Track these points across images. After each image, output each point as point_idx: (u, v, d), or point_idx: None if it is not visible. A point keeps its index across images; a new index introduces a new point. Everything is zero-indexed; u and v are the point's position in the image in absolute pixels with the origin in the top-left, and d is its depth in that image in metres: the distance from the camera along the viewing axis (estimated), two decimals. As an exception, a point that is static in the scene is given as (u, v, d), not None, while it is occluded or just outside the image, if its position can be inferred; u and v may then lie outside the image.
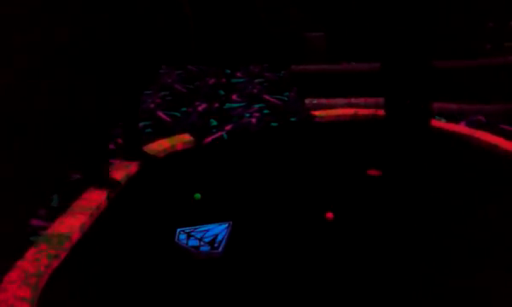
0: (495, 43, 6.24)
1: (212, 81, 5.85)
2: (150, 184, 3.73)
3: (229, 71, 6.18)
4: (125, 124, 3.87)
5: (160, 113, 5.01)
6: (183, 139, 4.33)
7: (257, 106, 5.15)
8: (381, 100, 4.92)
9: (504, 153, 3.98)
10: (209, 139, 4.41)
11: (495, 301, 2.55)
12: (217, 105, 5.15)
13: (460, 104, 4.88)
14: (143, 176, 3.85)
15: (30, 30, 4.95)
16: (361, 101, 5.04)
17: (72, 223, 3.17)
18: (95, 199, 3.45)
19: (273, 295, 2.63)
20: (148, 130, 4.61)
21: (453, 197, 3.47)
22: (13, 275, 2.74)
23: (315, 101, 5.12)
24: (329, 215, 3.26)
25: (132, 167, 3.87)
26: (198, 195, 3.51)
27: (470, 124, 4.55)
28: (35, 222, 3.25)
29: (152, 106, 5.20)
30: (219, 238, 3.05)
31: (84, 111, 3.88)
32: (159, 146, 4.21)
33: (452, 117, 4.70)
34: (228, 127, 4.63)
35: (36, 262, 2.83)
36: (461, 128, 4.47)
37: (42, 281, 2.73)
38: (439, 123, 4.57)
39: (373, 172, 3.78)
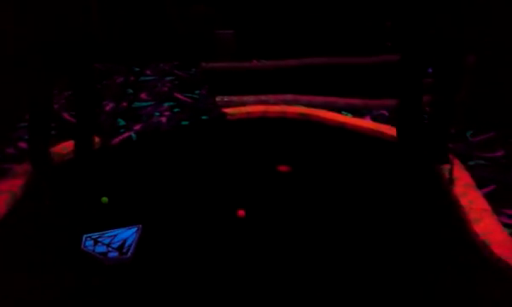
0: (394, 41, 6.54)
1: (120, 79, 5.67)
2: (53, 189, 3.54)
3: (137, 68, 6.03)
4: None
5: (65, 114, 4.78)
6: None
7: (167, 104, 5.06)
8: (289, 97, 5.03)
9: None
10: (117, 140, 4.27)
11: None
12: (125, 104, 5.00)
13: (365, 100, 5.06)
14: (43, 180, 3.64)
15: None
16: (270, 97, 5.10)
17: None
18: (-8, 207, 3.24)
19: (185, 299, 2.59)
20: (52, 131, 4.38)
21: (358, 189, 3.59)
22: None
23: (226, 99, 5.11)
24: (241, 212, 3.27)
25: (34, 173, 3.66)
26: (105, 199, 3.39)
27: (375, 119, 4.72)
28: None
29: (56, 106, 4.95)
30: (128, 242, 2.97)
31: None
32: (63, 149, 4.01)
33: (358, 112, 4.86)
34: (137, 127, 4.51)
35: None
36: (366, 122, 4.63)
37: None
38: (345, 118, 4.70)
39: (283, 168, 3.83)
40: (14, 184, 3.49)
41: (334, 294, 2.62)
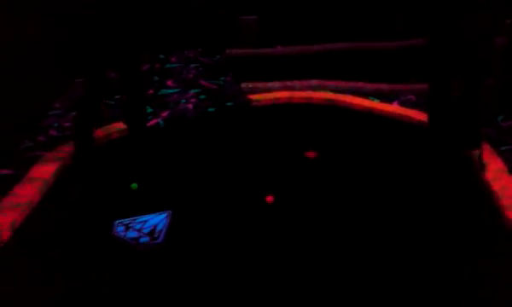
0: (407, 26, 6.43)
1: (146, 67, 5.70)
2: (85, 175, 3.60)
3: (163, 56, 6.05)
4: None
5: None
6: (118, 127, 4.19)
7: (193, 91, 5.07)
8: (314, 82, 5.00)
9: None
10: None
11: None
12: (152, 91, 5.03)
13: (392, 84, 5.00)
14: (78, 167, 3.71)
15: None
16: (296, 83, 5.07)
17: (2, 221, 3.02)
18: (26, 194, 3.30)
19: (217, 284, 2.62)
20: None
21: (386, 175, 3.56)
22: None
23: (251, 85, 5.10)
24: (269, 198, 3.28)
25: (64, 160, 3.72)
26: (135, 185, 3.42)
27: (403, 104, 4.67)
28: (-39, 221, 3.07)
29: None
30: (159, 228, 3.00)
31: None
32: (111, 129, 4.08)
33: (385, 97, 4.81)
34: (164, 114, 4.54)
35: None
36: (394, 107, 4.58)
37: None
38: (372, 103, 4.66)
39: (310, 154, 3.82)
40: (46, 171, 3.55)
41: (365, 279, 2.62)
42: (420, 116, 4.30)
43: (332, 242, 2.90)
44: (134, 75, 3.69)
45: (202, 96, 4.95)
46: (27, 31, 5.78)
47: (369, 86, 4.97)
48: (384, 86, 4.98)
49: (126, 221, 3.05)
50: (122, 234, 2.96)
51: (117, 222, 3.04)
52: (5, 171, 3.59)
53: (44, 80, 5.34)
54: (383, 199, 3.28)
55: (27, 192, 3.31)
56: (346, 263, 2.74)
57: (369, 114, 4.51)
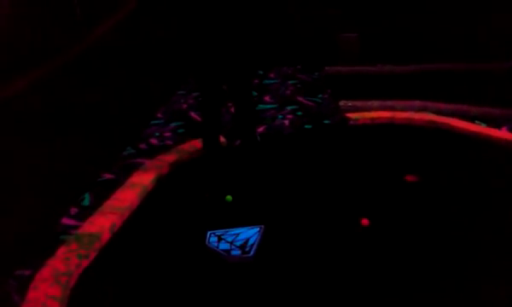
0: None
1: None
2: (181, 185, 3.68)
3: (262, 72, 6.11)
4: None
5: (193, 114, 4.97)
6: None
7: (290, 107, 5.06)
8: (416, 103, 4.81)
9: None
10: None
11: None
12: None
13: (501, 108, 4.69)
14: (174, 177, 3.81)
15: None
16: (397, 103, 4.90)
17: (102, 223, 3.16)
18: (126, 198, 3.43)
19: (304, 302, 2.55)
20: (181, 130, 4.58)
21: (490, 205, 3.32)
22: (44, 273, 2.73)
23: (349, 104, 5.00)
24: (365, 221, 3.16)
25: (164, 168, 3.84)
26: (230, 197, 3.45)
27: (512, 130, 4.37)
28: (66, 220, 3.25)
29: (184, 106, 5.17)
30: (251, 242, 2.99)
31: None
32: (191, 147, 4.16)
33: (493, 121, 4.52)
34: (261, 129, 4.56)
35: (66, 261, 2.82)
36: (503, 133, 4.28)
37: (72, 281, 2.71)
38: (479, 127, 4.39)
39: (410, 178, 3.65)
40: (146, 178, 3.67)
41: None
42: (532, 144, 3.99)
43: (425, 270, 2.74)
44: (217, 95, 3.72)
45: (299, 113, 4.93)
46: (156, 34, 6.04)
47: (475, 109, 4.70)
48: (492, 110, 4.69)
49: (219, 232, 3.07)
50: (214, 244, 2.98)
51: (210, 232, 3.07)
52: (108, 176, 3.77)
53: (149, 90, 5.60)
54: (480, 229, 3.06)
55: (127, 197, 3.44)
56: (441, 290, 2.57)
57: (475, 139, 4.25)
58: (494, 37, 6.17)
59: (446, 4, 6.69)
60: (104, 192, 3.53)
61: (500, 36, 6.17)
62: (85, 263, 2.86)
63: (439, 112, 4.71)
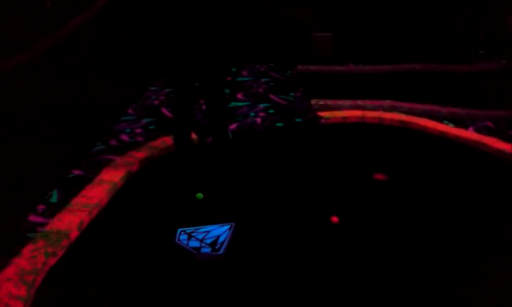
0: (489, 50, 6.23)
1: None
2: (152, 182, 3.66)
3: (234, 69, 6.11)
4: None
5: (164, 110, 4.94)
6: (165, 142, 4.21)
7: (262, 105, 5.07)
8: (387, 103, 4.87)
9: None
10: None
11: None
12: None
13: (468, 109, 4.79)
14: (145, 173, 3.78)
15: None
16: (368, 103, 4.96)
17: (70, 221, 3.11)
18: (95, 195, 3.38)
19: (274, 299, 2.56)
20: (152, 126, 4.55)
21: (459, 203, 3.38)
22: (8, 272, 2.67)
23: (321, 102, 5.04)
24: (334, 219, 3.19)
25: (134, 165, 3.80)
26: (200, 195, 3.44)
27: (479, 130, 4.46)
28: (33, 218, 3.19)
29: (156, 102, 5.13)
30: (221, 239, 2.98)
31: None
32: (162, 143, 4.13)
33: (461, 122, 4.61)
34: (232, 126, 4.55)
35: (33, 259, 2.77)
36: (469, 134, 4.37)
37: (38, 279, 2.66)
38: (447, 127, 4.47)
39: (379, 176, 3.70)
40: (116, 175, 3.63)
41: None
42: (497, 144, 4.09)
43: (393, 267, 2.78)
44: (189, 92, 3.70)
45: (271, 111, 4.94)
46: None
47: (444, 110, 4.78)
48: (460, 111, 4.78)
49: (189, 230, 3.06)
50: (184, 242, 2.96)
51: (180, 230, 3.05)
52: (77, 172, 3.71)
53: (121, 86, 5.54)
54: (449, 226, 3.12)
55: (97, 194, 3.40)
56: (407, 287, 2.61)
57: (443, 139, 4.33)
58: (459, 39, 6.31)
59: (417, 6, 6.80)
60: (73, 189, 3.48)
61: (465, 38, 6.31)
62: (52, 261, 2.81)
63: (408, 112, 4.78)
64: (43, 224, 3.10)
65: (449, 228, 3.12)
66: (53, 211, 3.24)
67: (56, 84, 5.57)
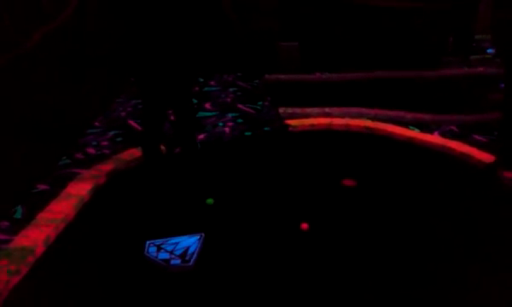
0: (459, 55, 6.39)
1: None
2: (119, 195, 3.60)
3: (202, 79, 6.09)
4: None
5: (132, 122, 4.89)
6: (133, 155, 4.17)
7: (230, 115, 5.07)
8: (353, 110, 4.93)
9: (476, 164, 3.97)
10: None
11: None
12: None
13: (433, 114, 4.89)
14: (113, 186, 3.72)
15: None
16: (335, 110, 5.01)
17: (36, 236, 3.03)
18: (61, 210, 3.31)
19: (246, 310, 2.55)
20: (119, 138, 4.49)
21: (426, 207, 3.43)
22: (-30, 291, 2.59)
23: (289, 111, 5.07)
24: (304, 225, 3.20)
25: (101, 178, 3.74)
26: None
27: (444, 134, 4.55)
28: (-4, 235, 3.10)
29: (123, 114, 5.08)
30: (191, 250, 2.95)
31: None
32: (129, 155, 4.09)
33: (426, 127, 4.70)
34: (201, 136, 4.53)
35: (-5, 278, 2.68)
36: (435, 138, 4.45)
37: (0, 299, 2.58)
38: (413, 133, 4.55)
39: (348, 183, 3.73)
40: (83, 188, 3.57)
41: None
42: (461, 147, 4.17)
43: (363, 272, 2.80)
44: (159, 103, 3.67)
45: (239, 120, 4.94)
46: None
47: (410, 115, 4.87)
48: (425, 116, 4.87)
49: (158, 242, 3.02)
50: (153, 254, 2.92)
51: (149, 242, 3.01)
52: (42, 187, 3.64)
53: (86, 98, 5.46)
54: (418, 230, 3.16)
55: (63, 208, 3.33)
56: (378, 293, 2.63)
57: (409, 144, 4.40)
58: (425, 45, 6.44)
59: (382, 15, 6.91)
60: (38, 204, 3.40)
61: (432, 44, 6.45)
62: (16, 279, 2.73)
63: (374, 119, 4.85)
64: (7, 241, 3.02)
65: (416, 232, 3.16)
66: (17, 227, 3.16)
67: (18, 98, 5.45)
